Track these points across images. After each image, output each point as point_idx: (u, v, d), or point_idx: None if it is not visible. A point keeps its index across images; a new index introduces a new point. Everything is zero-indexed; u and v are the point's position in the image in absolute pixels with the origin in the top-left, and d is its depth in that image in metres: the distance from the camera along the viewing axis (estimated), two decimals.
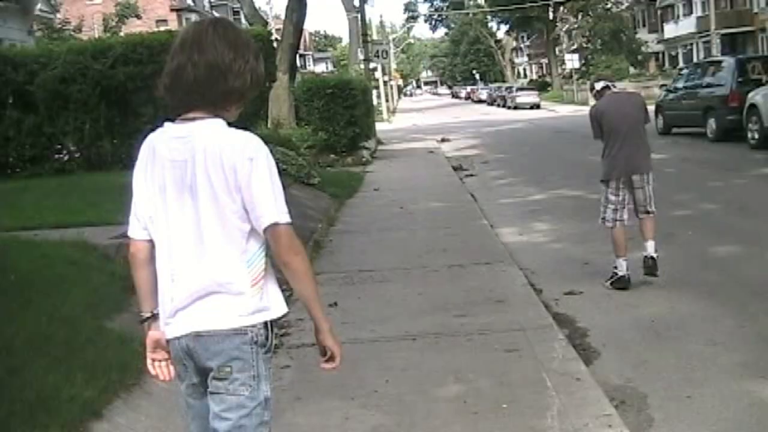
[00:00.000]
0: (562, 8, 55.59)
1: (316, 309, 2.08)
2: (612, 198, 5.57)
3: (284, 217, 1.95)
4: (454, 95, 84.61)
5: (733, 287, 5.48)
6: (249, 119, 10.21)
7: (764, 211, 8.29)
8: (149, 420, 3.30)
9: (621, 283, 5.52)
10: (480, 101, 60.59)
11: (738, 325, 4.68)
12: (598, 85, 5.73)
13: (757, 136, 13.83)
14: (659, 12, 52.38)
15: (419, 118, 39.92)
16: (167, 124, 2.08)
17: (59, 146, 9.98)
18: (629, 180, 5.55)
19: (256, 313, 2.03)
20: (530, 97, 45.53)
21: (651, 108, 20.95)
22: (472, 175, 13.74)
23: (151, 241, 2.16)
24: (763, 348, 4.26)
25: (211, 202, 1.96)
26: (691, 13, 46.75)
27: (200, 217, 1.98)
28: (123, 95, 9.62)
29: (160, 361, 2.16)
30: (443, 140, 22.39)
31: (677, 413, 3.53)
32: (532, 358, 4.12)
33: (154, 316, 2.16)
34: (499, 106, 49.66)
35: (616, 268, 5.58)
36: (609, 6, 52.44)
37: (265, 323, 2.07)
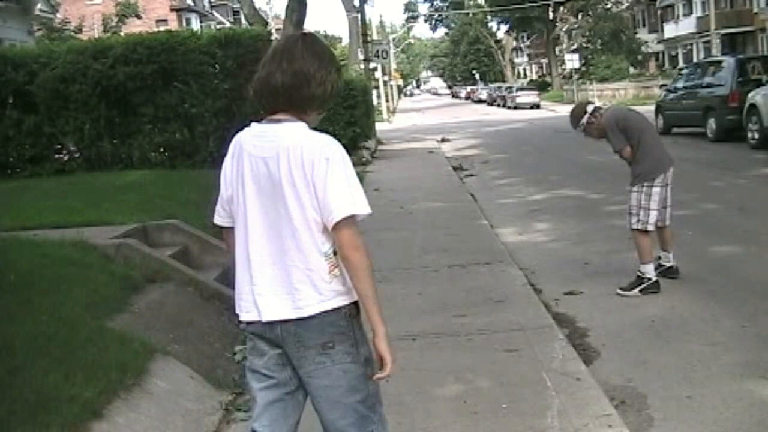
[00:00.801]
0: (562, 8, 55.62)
1: (373, 310, 2.21)
2: (658, 197, 5.45)
3: (356, 209, 2.14)
4: (454, 95, 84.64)
5: (733, 287, 5.48)
6: (249, 119, 10.21)
7: (764, 211, 8.29)
8: (149, 420, 3.30)
9: (654, 288, 5.40)
10: (480, 101, 60.60)
11: (738, 325, 4.68)
12: (591, 107, 5.63)
13: (757, 136, 13.83)
14: (659, 12, 52.39)
15: (419, 118, 39.93)
16: (254, 124, 2.33)
17: (59, 146, 9.96)
18: (669, 174, 5.56)
19: (342, 294, 2.21)
20: (530, 97, 45.54)
21: (651, 108, 20.96)
22: (472, 175, 13.74)
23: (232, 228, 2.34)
24: (763, 348, 4.26)
25: (293, 196, 2.16)
26: (691, 13, 46.77)
27: (282, 210, 2.17)
28: (123, 95, 9.61)
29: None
30: (443, 140, 22.39)
31: (677, 413, 3.53)
32: (532, 358, 4.12)
33: None
34: (499, 106, 49.68)
35: (643, 274, 5.43)
36: (609, 6, 52.43)
37: (354, 302, 2.25)
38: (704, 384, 3.83)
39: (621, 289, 5.48)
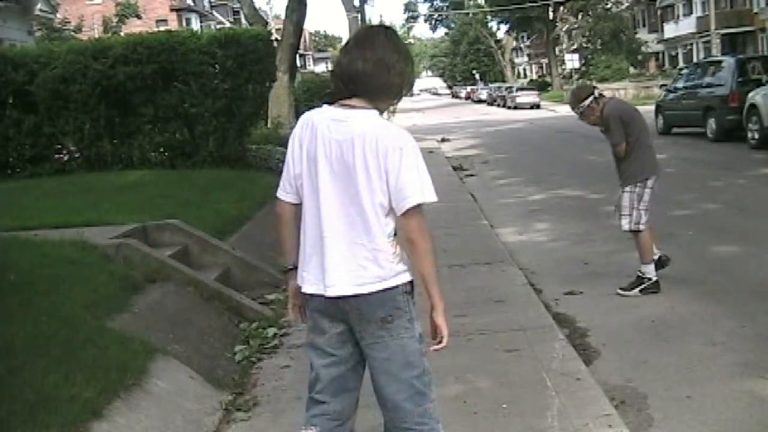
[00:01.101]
0: (562, 8, 55.58)
1: (434, 288, 2.40)
2: (648, 198, 5.41)
3: (426, 197, 2.30)
4: (454, 95, 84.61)
5: (733, 287, 5.48)
6: (249, 119, 10.21)
7: (764, 211, 8.29)
8: (149, 420, 3.30)
9: (655, 288, 5.39)
10: (480, 101, 60.56)
11: (738, 325, 4.68)
12: (596, 92, 5.55)
13: (757, 136, 13.83)
14: (659, 12, 52.39)
15: (419, 118, 39.92)
16: (326, 107, 2.44)
17: (59, 146, 9.96)
18: (659, 178, 5.50)
19: (401, 273, 2.39)
20: (530, 97, 45.52)
21: (651, 108, 20.93)
22: (472, 175, 13.74)
23: (296, 204, 2.51)
24: (763, 348, 4.26)
25: (364, 179, 2.30)
26: (691, 13, 46.76)
27: (353, 192, 2.32)
28: (123, 95, 9.60)
29: (298, 306, 2.55)
30: (443, 140, 22.38)
31: (677, 413, 3.53)
32: (532, 358, 4.12)
33: (295, 269, 2.51)
34: (499, 106, 49.66)
35: (644, 274, 5.42)
36: (609, 6, 52.42)
37: (410, 281, 2.43)
38: (704, 384, 3.83)
39: (621, 289, 5.48)
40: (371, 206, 2.31)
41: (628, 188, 5.42)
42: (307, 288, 2.42)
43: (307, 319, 2.53)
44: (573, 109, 5.63)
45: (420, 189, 2.29)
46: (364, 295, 2.34)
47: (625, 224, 5.44)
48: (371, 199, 2.31)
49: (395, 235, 2.37)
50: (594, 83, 41.32)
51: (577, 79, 43.98)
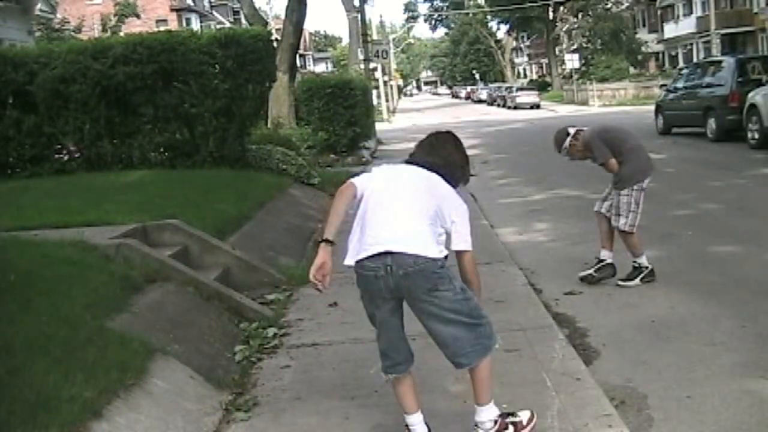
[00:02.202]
0: (562, 8, 55.59)
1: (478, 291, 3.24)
2: (642, 200, 5.59)
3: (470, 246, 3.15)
4: (454, 95, 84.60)
5: (733, 287, 5.48)
6: (249, 119, 10.21)
7: (764, 211, 8.29)
8: (149, 420, 3.30)
9: (652, 276, 5.64)
10: (480, 101, 60.57)
11: (738, 325, 4.68)
12: (572, 130, 5.72)
13: (757, 136, 13.83)
14: (659, 12, 52.39)
15: (419, 118, 39.92)
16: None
17: (59, 146, 9.94)
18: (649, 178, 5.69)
19: (441, 252, 3.04)
20: (530, 97, 45.51)
21: (651, 108, 20.90)
22: (472, 175, 13.70)
23: (358, 194, 3.17)
24: (763, 348, 4.26)
25: (425, 211, 3.10)
26: (691, 13, 46.76)
27: (415, 208, 3.08)
28: (123, 95, 9.59)
29: (323, 275, 3.11)
30: None
31: (677, 413, 3.53)
32: (532, 358, 4.12)
33: (331, 242, 3.12)
34: (499, 106, 49.68)
35: (640, 264, 5.66)
36: (609, 6, 52.41)
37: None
38: (704, 384, 3.83)
39: (621, 280, 5.65)
40: (428, 222, 3.15)
41: (625, 191, 5.56)
42: (374, 249, 3.09)
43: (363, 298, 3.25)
44: (559, 152, 5.84)
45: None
46: (414, 269, 3.04)
47: (622, 225, 5.59)
48: (431, 221, 3.16)
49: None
50: (594, 83, 41.33)
51: (578, 79, 43.96)
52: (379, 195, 3.11)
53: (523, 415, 3.23)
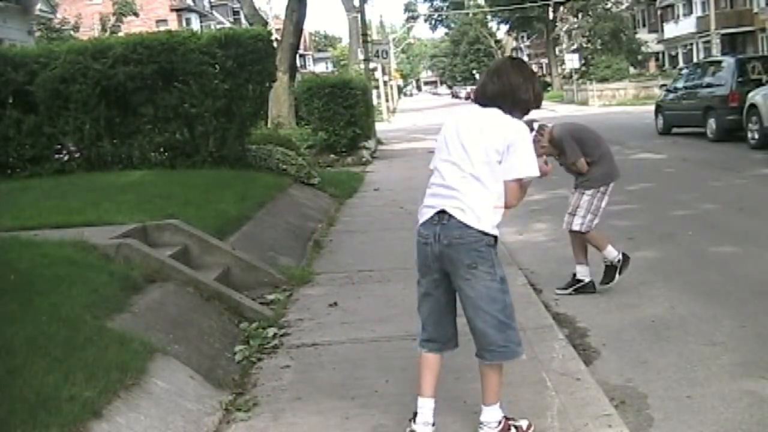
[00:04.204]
0: (562, 8, 55.56)
1: None
2: (603, 204, 5.50)
3: (533, 172, 3.08)
4: (454, 95, 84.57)
5: (733, 287, 5.48)
6: (249, 119, 10.20)
7: (764, 211, 8.29)
8: (149, 420, 3.30)
9: (627, 264, 5.54)
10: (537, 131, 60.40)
11: (738, 325, 4.68)
12: (536, 125, 5.40)
13: (757, 136, 13.83)
14: (659, 12, 52.40)
15: (419, 118, 39.92)
16: (474, 105, 3.25)
17: (59, 146, 9.93)
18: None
19: (492, 228, 3.05)
20: None
21: (651, 108, 20.90)
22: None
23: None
24: (763, 348, 4.26)
25: (484, 155, 3.05)
26: (691, 13, 46.77)
27: (474, 160, 3.07)
28: (123, 95, 9.58)
29: None
30: None
31: (677, 413, 3.53)
32: (532, 358, 4.12)
33: None
34: None
35: (611, 261, 5.55)
36: (609, 6, 52.39)
37: (496, 236, 3.09)
38: (704, 384, 3.84)
39: (601, 283, 5.56)
40: (487, 172, 3.11)
41: (589, 192, 5.47)
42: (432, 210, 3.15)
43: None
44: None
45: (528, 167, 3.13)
46: (455, 242, 3.09)
47: (577, 225, 5.51)
48: (489, 168, 3.12)
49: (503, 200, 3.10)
50: (594, 83, 41.32)
51: (578, 79, 43.96)
52: (439, 152, 3.20)
53: (523, 423, 3.28)
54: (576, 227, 5.51)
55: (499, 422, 3.19)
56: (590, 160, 5.45)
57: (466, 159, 3.06)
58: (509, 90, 3.11)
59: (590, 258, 5.69)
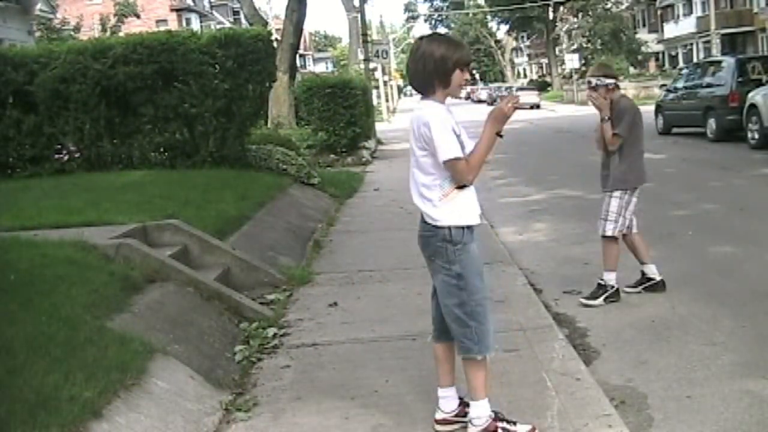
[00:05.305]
0: (562, 8, 55.63)
1: (484, 145, 3.10)
2: (632, 207, 5.29)
3: (446, 155, 2.98)
4: (454, 95, 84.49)
5: (733, 287, 5.48)
6: (249, 119, 10.20)
7: (764, 211, 8.29)
8: (149, 420, 3.30)
9: (616, 297, 5.32)
10: (480, 101, 60.54)
11: (738, 325, 4.68)
12: (618, 80, 5.25)
13: (757, 136, 13.84)
14: (659, 12, 52.40)
15: None
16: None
17: (59, 146, 9.93)
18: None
19: (444, 221, 3.04)
20: (530, 97, 45.45)
21: (651, 108, 20.92)
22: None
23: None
24: (763, 348, 4.26)
25: (416, 149, 3.08)
26: (691, 13, 46.77)
27: (415, 155, 3.10)
28: (123, 95, 9.58)
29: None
30: None
31: (677, 413, 3.53)
32: (532, 358, 4.12)
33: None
34: None
35: (606, 282, 5.32)
36: (609, 6, 52.44)
37: (458, 227, 3.05)
38: (704, 384, 3.84)
39: (585, 298, 5.33)
40: (420, 166, 3.09)
41: (617, 193, 5.26)
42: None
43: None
44: (592, 76, 5.29)
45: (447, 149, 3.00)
46: (422, 234, 3.14)
47: (610, 230, 5.27)
48: (420, 162, 3.09)
49: (451, 185, 3.04)
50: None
51: (578, 79, 43.96)
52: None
53: (521, 429, 3.19)
54: (609, 232, 5.27)
55: (488, 419, 3.17)
56: (627, 152, 5.21)
57: (412, 155, 3.13)
58: (420, 64, 3.03)
59: (600, 260, 5.66)
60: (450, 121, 3.04)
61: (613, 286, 5.32)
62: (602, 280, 5.33)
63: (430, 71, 3.01)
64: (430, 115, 3.01)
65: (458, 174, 3.01)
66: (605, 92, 5.19)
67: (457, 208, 3.06)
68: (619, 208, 5.26)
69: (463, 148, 3.04)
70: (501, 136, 3.11)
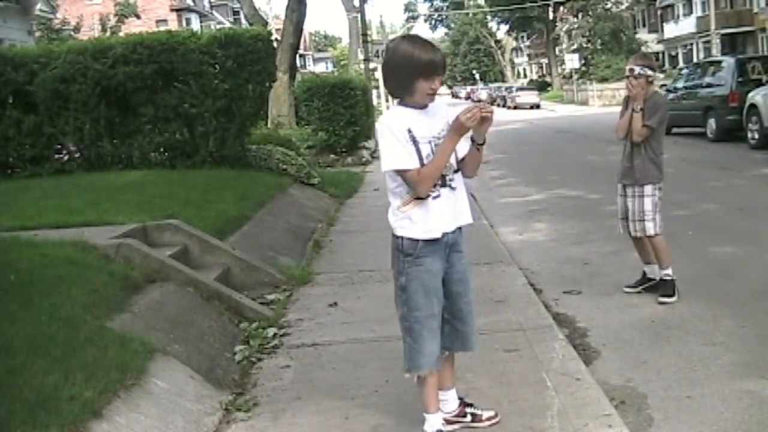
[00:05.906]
0: (562, 8, 55.64)
1: (442, 156, 2.95)
2: (659, 203, 5.27)
3: (386, 166, 2.90)
4: (454, 95, 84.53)
5: (733, 287, 5.48)
6: (249, 119, 10.20)
7: (764, 211, 8.29)
8: (149, 420, 3.30)
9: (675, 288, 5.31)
10: (480, 101, 60.49)
11: (738, 325, 4.68)
12: (652, 74, 5.18)
13: (757, 136, 13.85)
14: (659, 12, 52.40)
15: None
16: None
17: (59, 146, 9.93)
18: None
19: (399, 229, 3.01)
20: (530, 97, 45.56)
21: None
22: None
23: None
24: (763, 348, 4.26)
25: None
26: (691, 13, 46.77)
27: None
28: (123, 95, 9.58)
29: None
30: None
31: (677, 413, 3.53)
32: (532, 358, 4.12)
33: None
34: (499, 106, 49.65)
35: (646, 273, 5.38)
36: (609, 6, 52.44)
37: (410, 239, 2.98)
38: (704, 384, 3.84)
39: (661, 296, 5.26)
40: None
41: (648, 191, 5.21)
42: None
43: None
44: (636, 65, 5.19)
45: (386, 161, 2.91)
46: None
47: (651, 229, 5.23)
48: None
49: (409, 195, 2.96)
50: (594, 83, 41.28)
51: (578, 79, 43.98)
52: None
53: (486, 414, 3.36)
54: (651, 231, 5.22)
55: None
56: (656, 145, 5.19)
57: None
58: (388, 67, 2.98)
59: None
60: (402, 131, 2.87)
61: (672, 279, 5.27)
62: (667, 275, 5.28)
63: (396, 77, 2.93)
64: (380, 122, 2.98)
65: (409, 185, 2.92)
66: (644, 84, 5.15)
67: (413, 220, 2.96)
68: (653, 204, 5.22)
69: (421, 158, 2.89)
70: (482, 145, 3.11)
